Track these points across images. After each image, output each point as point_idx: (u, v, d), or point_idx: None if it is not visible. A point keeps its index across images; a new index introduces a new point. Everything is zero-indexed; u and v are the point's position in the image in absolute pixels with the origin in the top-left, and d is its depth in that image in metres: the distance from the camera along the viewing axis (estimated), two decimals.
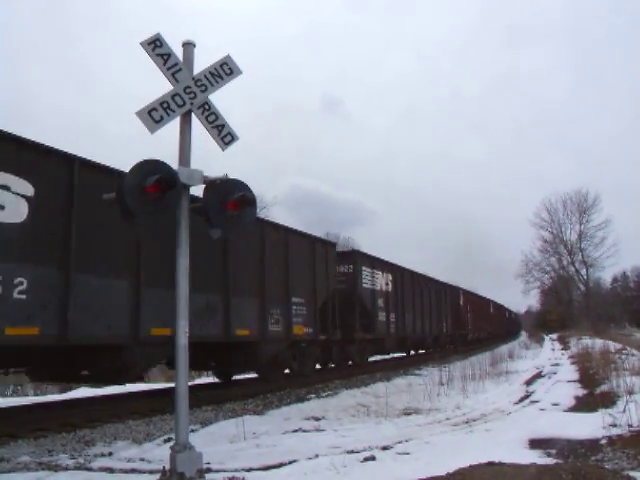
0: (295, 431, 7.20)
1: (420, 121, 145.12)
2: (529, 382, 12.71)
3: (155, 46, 4.36)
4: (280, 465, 5.18)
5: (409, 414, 8.46)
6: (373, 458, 5.25)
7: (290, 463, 5.23)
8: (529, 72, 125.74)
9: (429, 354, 22.20)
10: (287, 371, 12.67)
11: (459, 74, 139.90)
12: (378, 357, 22.45)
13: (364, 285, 15.66)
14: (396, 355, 22.34)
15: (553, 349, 28.66)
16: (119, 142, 76.63)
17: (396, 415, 8.34)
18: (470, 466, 4.36)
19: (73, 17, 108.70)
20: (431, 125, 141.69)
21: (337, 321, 13.70)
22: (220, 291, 9.25)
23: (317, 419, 8.12)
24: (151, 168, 4.07)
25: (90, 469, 5.26)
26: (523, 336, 55.78)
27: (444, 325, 24.57)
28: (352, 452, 5.61)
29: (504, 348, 27.94)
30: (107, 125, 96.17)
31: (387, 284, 17.48)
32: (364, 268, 15.77)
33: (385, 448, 5.84)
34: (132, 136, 59.20)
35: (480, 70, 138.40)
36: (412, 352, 23.56)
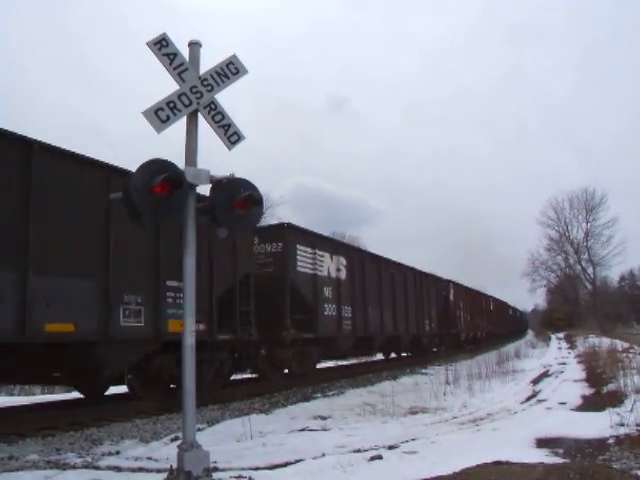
0: (301, 430, 7.21)
1: (424, 119, 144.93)
2: (536, 381, 12.65)
3: (161, 46, 4.36)
4: (286, 464, 5.19)
5: (415, 413, 8.45)
6: (379, 457, 5.24)
7: (296, 462, 5.23)
8: (533, 70, 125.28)
9: (436, 354, 21.90)
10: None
11: (463, 72, 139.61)
12: (379, 358, 22.07)
13: (300, 269, 12.25)
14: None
15: (560, 348, 28.56)
16: (123, 142, 76.89)
17: (402, 414, 8.33)
18: (477, 465, 4.36)
19: (75, 17, 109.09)
20: (436, 123, 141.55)
21: (252, 315, 10.33)
22: (12, 265, 6.39)
23: (323, 418, 8.12)
24: (158, 168, 4.07)
25: (98, 468, 5.28)
26: (530, 335, 55.54)
27: (427, 323, 20.96)
28: (358, 451, 5.61)
29: (510, 347, 27.86)
30: (111, 125, 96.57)
31: (339, 269, 13.97)
32: (300, 247, 12.39)
33: (391, 447, 5.83)
34: (137, 136, 59.44)
35: (484, 68, 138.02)
36: (393, 355, 21.29)
